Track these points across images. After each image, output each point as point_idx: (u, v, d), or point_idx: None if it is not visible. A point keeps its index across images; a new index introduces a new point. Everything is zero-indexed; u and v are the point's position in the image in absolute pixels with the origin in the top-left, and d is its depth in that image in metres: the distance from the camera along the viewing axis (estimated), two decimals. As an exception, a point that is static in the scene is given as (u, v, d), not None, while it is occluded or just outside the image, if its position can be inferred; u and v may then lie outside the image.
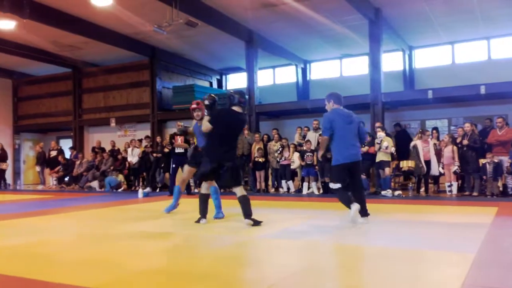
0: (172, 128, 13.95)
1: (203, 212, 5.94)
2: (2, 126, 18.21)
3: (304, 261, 3.90)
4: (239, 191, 5.65)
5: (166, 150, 12.39)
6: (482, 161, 9.69)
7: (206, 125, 5.67)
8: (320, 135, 6.64)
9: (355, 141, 5.79)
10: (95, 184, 14.16)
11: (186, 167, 6.90)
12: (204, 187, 6.01)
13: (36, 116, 18.26)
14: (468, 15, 11.94)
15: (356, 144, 5.83)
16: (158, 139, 13.51)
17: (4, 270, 3.54)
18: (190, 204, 8.45)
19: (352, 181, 5.77)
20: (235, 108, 5.71)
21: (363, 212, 5.70)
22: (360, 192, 5.86)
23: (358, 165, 5.84)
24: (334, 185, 5.76)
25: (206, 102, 6.17)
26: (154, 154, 12.91)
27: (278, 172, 11.62)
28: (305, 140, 11.37)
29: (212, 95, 6.32)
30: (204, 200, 5.97)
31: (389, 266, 3.54)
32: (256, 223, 5.54)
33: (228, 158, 5.63)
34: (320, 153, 6.16)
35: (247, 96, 5.66)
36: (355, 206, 5.49)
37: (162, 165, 12.71)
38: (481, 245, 4.21)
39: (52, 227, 6.05)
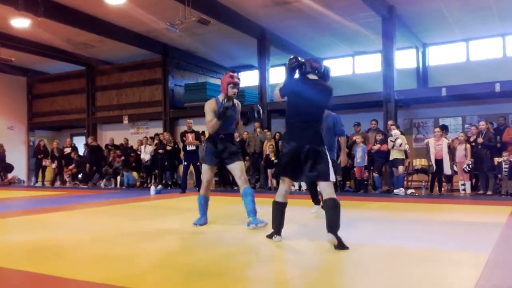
0: (183, 126, 13.98)
1: (277, 226, 4.42)
2: (17, 123, 18.49)
3: (314, 260, 3.88)
4: (327, 189, 4.13)
5: (168, 147, 12.40)
6: (497, 159, 9.56)
7: (276, 93, 4.43)
8: (340, 136, 6.52)
9: None
10: (107, 182, 14.29)
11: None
12: (282, 192, 4.39)
13: (50, 113, 18.51)
14: (483, 12, 11.77)
15: None
16: (161, 136, 13.50)
17: (19, 266, 3.59)
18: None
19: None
20: (310, 76, 4.32)
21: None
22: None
23: None
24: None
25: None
26: (160, 151, 13.00)
27: (289, 170, 11.56)
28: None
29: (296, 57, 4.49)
30: (278, 210, 4.39)
31: (401, 265, 3.51)
32: (342, 246, 3.93)
33: (311, 139, 4.17)
34: (345, 154, 6.76)
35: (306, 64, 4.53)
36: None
37: (166, 163, 12.79)
38: (495, 245, 4.16)
39: (66, 223, 6.11)
